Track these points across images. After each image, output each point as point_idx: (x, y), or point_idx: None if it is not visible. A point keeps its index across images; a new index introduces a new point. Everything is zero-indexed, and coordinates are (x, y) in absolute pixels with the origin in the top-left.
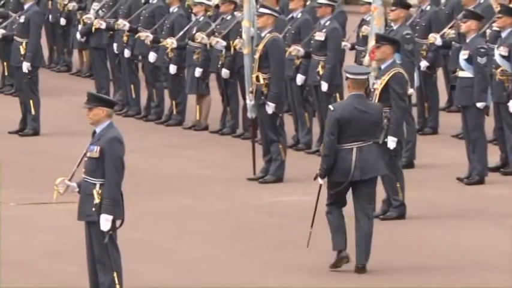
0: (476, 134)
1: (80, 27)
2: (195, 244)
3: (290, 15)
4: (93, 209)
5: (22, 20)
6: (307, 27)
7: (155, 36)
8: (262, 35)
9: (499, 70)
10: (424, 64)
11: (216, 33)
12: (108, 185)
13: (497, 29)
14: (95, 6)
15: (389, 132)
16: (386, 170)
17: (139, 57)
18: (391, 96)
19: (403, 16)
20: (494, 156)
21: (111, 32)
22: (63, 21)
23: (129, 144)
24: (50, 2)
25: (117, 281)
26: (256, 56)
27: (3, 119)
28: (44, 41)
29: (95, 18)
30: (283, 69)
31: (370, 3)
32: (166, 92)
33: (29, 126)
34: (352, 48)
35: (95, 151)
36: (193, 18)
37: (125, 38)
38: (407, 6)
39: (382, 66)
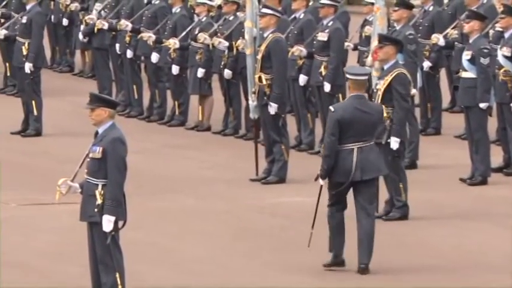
0: (479, 134)
1: (82, 27)
2: (197, 245)
3: (293, 16)
4: (96, 209)
5: (24, 20)
6: (309, 27)
7: (158, 37)
8: (265, 35)
9: (502, 71)
10: (427, 64)
11: (219, 34)
12: (110, 185)
13: (501, 29)
14: (97, 6)
15: (392, 133)
16: (388, 170)
17: (142, 58)
18: (393, 96)
19: (406, 16)
20: (497, 157)
21: (113, 33)
22: (65, 22)
23: (131, 145)
24: (52, 3)
25: (119, 282)
26: (259, 57)
27: (6, 120)
28: (46, 42)
29: (97, 18)
30: (286, 70)
31: (372, 4)
32: (168, 93)
33: (31, 126)
34: (355, 48)
35: (98, 152)
36: (196, 18)
37: (127, 39)
38: (410, 7)
39: (385, 67)
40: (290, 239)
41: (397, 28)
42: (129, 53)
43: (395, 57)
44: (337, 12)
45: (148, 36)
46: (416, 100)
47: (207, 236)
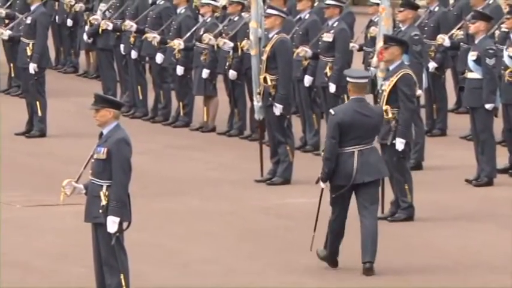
0: (485, 135)
1: (86, 28)
2: (202, 246)
3: (298, 16)
4: (100, 210)
5: (29, 21)
6: (315, 28)
7: (162, 37)
8: (270, 36)
9: (507, 71)
10: (432, 65)
11: (224, 34)
12: (115, 186)
13: (506, 30)
14: (102, 7)
15: (397, 134)
16: (389, 172)
17: (147, 59)
18: (399, 97)
19: (411, 17)
20: (502, 157)
21: (118, 33)
22: (70, 22)
23: (136, 146)
24: (56, 3)
25: (124, 283)
26: (264, 57)
27: (10, 121)
28: (50, 42)
29: (102, 19)
30: (291, 71)
31: (378, 4)
32: (173, 94)
33: (35, 127)
34: (360, 49)
35: (102, 152)
36: (201, 19)
37: (132, 39)
38: (416, 7)
39: (390, 68)
40: (295, 240)
41: (403, 29)
42: (134, 54)
43: (401, 58)
44: (342, 13)
45: (153, 36)
46: (422, 101)
47: (212, 237)
